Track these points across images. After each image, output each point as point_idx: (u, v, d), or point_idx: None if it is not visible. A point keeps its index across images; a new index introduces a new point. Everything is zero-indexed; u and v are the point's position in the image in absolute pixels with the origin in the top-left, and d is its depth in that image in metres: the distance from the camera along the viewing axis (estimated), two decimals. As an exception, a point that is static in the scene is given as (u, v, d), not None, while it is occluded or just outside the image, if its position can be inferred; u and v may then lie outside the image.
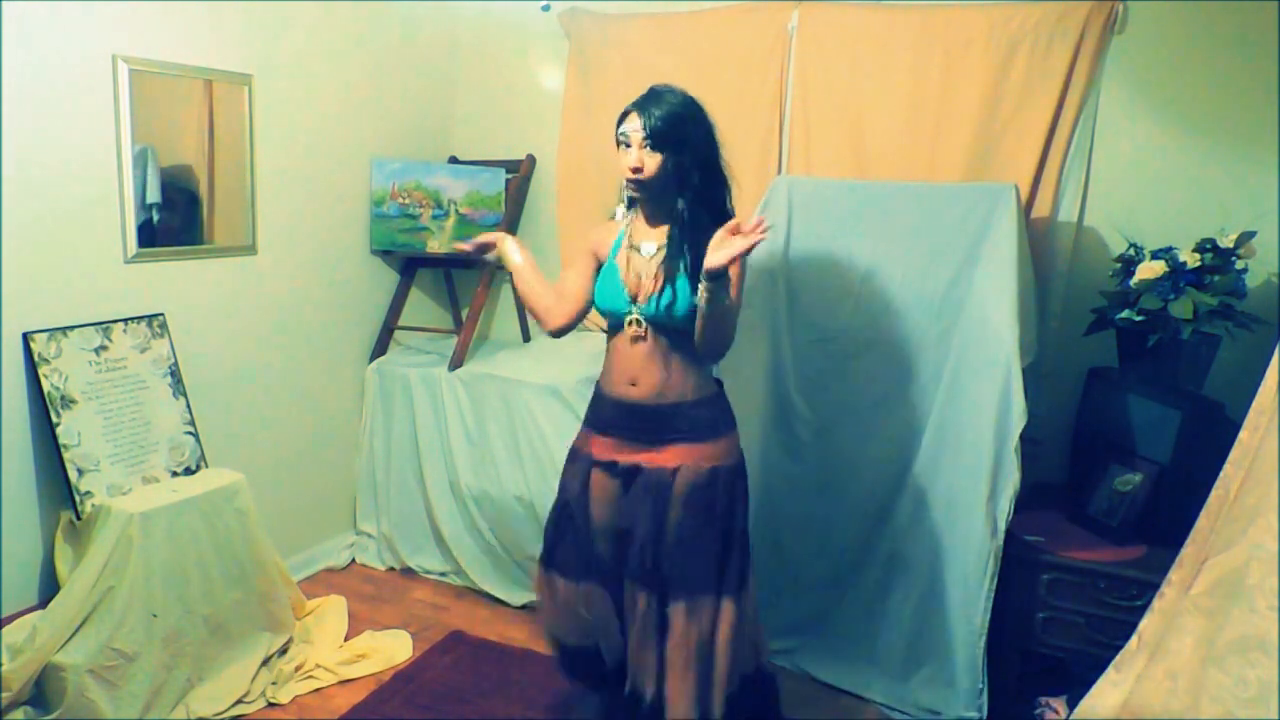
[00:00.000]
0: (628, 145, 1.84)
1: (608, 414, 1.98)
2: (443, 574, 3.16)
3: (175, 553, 2.24)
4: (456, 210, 3.24)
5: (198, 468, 2.51)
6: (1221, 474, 1.59)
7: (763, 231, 1.65)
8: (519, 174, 3.33)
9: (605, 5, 3.21)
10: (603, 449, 1.98)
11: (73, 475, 2.20)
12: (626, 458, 1.94)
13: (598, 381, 2.04)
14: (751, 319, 2.56)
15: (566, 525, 2.03)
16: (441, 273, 3.58)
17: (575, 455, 2.05)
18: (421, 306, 3.53)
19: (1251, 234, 2.29)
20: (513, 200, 3.28)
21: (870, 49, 2.80)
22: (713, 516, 1.88)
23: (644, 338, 1.89)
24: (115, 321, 2.37)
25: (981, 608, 2.23)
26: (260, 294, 2.83)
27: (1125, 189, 2.62)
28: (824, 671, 2.57)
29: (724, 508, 1.90)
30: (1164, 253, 2.36)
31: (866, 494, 2.57)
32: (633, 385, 1.92)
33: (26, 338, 2.17)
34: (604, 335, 2.03)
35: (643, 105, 1.84)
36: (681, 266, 1.84)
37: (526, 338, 3.46)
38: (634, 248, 1.93)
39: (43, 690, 2.07)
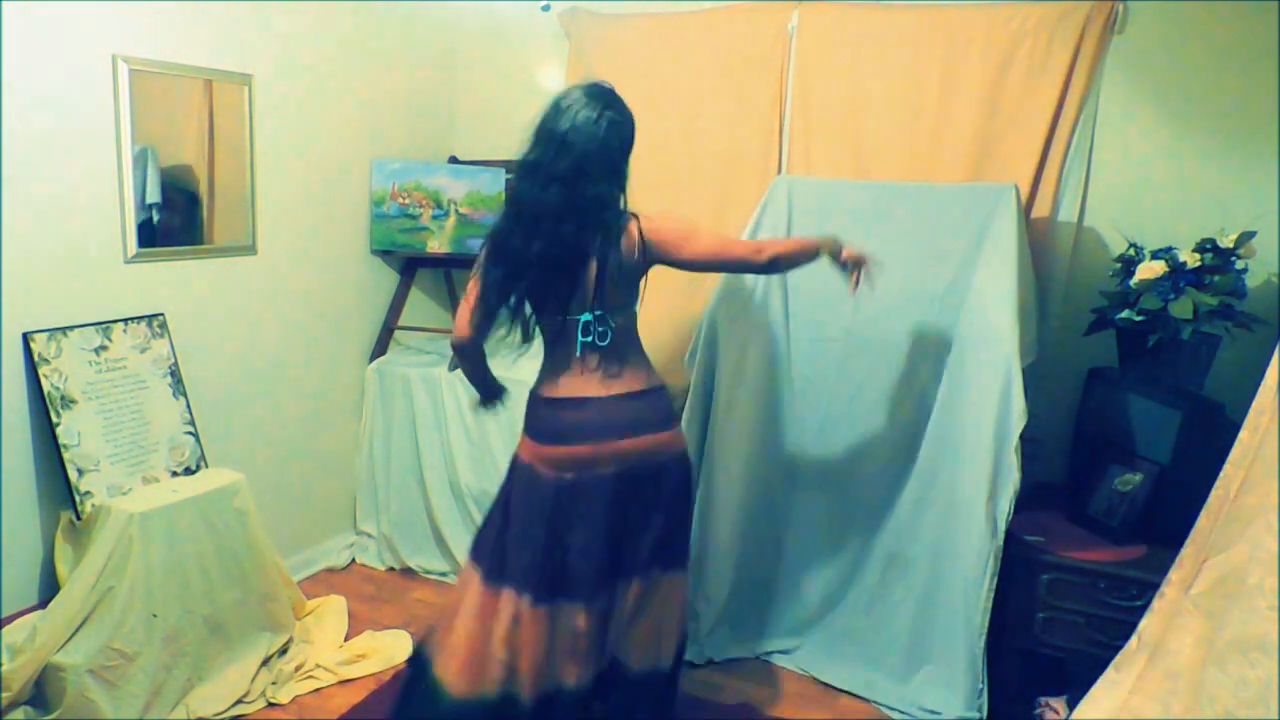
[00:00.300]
0: None
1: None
2: (443, 574, 3.16)
3: (175, 553, 2.24)
4: (456, 210, 3.24)
5: (198, 468, 2.50)
6: (1221, 474, 1.59)
7: None
8: (519, 174, 3.32)
9: (605, 5, 3.21)
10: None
11: (73, 475, 2.20)
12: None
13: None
14: (752, 319, 2.57)
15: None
16: (441, 273, 3.58)
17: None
18: (421, 306, 3.53)
19: (1251, 234, 2.29)
20: (513, 200, 3.27)
21: (870, 49, 2.80)
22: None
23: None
24: (115, 321, 2.37)
25: (981, 608, 2.23)
26: (260, 294, 2.83)
27: (1125, 189, 2.62)
28: (824, 671, 2.58)
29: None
30: (1164, 253, 2.36)
31: (866, 494, 2.57)
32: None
33: (26, 338, 2.17)
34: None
35: None
36: None
37: (526, 338, 3.45)
38: None
39: (43, 690, 2.07)
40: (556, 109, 1.82)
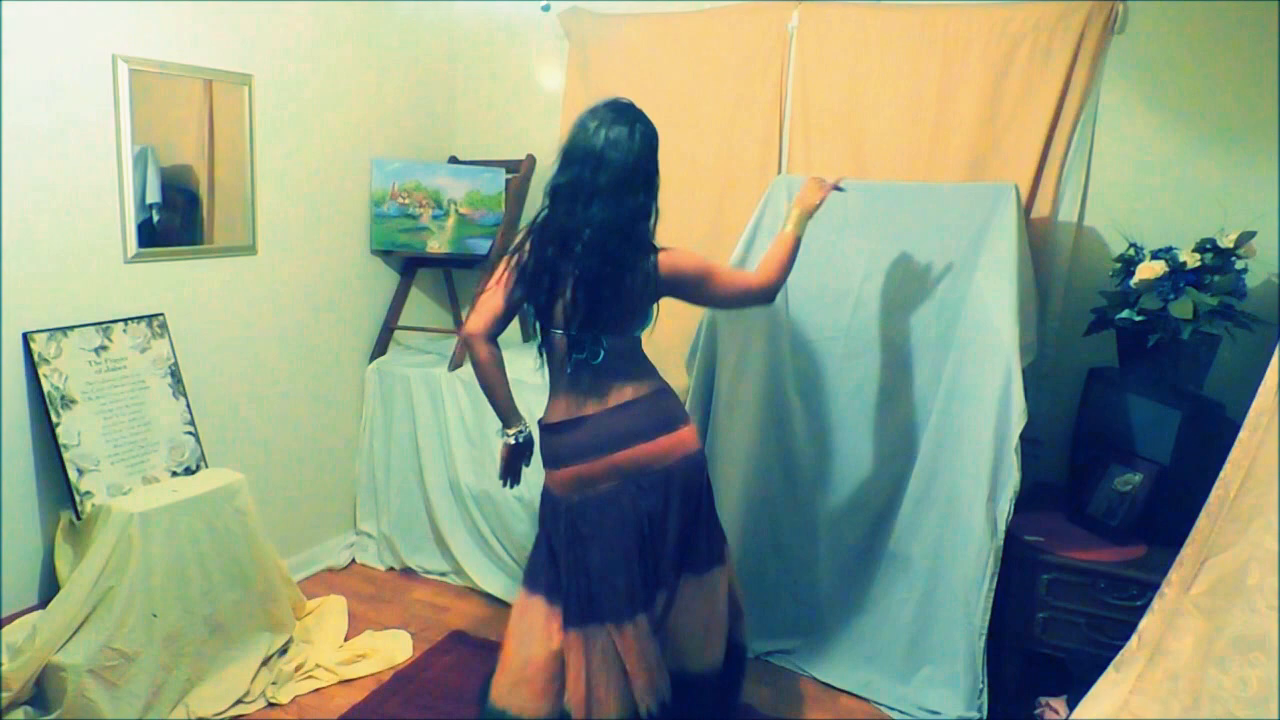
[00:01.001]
0: None
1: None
2: (443, 574, 3.16)
3: (175, 553, 2.24)
4: (456, 210, 3.24)
5: (198, 468, 2.51)
6: (1221, 474, 1.59)
7: None
8: (519, 174, 3.33)
9: (605, 5, 3.21)
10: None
11: (73, 475, 2.20)
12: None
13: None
14: (751, 319, 2.56)
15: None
16: (441, 273, 3.59)
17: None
18: (421, 306, 3.53)
19: (1251, 234, 2.29)
20: (513, 200, 3.28)
21: (870, 49, 2.80)
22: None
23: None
24: (115, 321, 2.37)
25: (981, 608, 2.23)
26: (260, 294, 2.83)
27: (1125, 189, 2.62)
28: (824, 671, 2.58)
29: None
30: (1164, 253, 2.36)
31: (866, 494, 2.57)
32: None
33: (26, 338, 2.17)
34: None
35: None
36: None
37: (526, 338, 3.46)
38: None
39: (43, 690, 2.07)
40: (586, 128, 1.81)
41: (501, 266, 1.91)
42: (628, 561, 1.86)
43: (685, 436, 1.93)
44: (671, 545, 1.90)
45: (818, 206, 2.11)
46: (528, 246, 1.87)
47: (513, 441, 1.98)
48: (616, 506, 1.86)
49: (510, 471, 2.02)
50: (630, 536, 1.86)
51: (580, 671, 1.84)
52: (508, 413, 1.97)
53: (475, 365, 1.92)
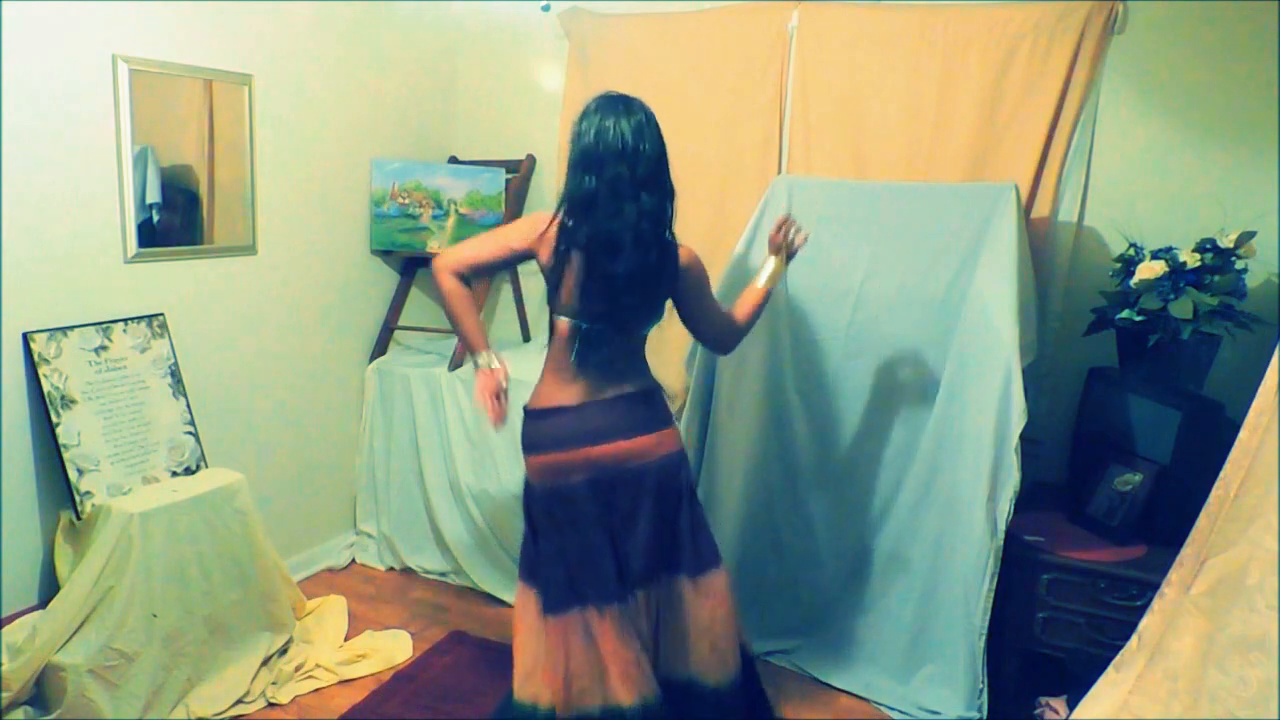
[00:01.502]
0: None
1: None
2: (443, 574, 3.16)
3: (175, 553, 2.24)
4: (456, 210, 3.24)
5: (198, 468, 2.51)
6: (1221, 474, 1.59)
7: None
8: (519, 174, 3.33)
9: (605, 5, 3.21)
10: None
11: (73, 475, 2.20)
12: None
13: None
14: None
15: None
16: (441, 273, 3.58)
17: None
18: (421, 306, 3.53)
19: (1251, 234, 2.29)
20: (513, 200, 3.28)
21: (870, 49, 2.80)
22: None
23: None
24: (115, 321, 2.37)
25: (981, 607, 2.23)
26: (260, 294, 2.83)
27: (1125, 189, 2.62)
28: (824, 671, 2.58)
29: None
30: (1164, 253, 2.36)
31: (866, 494, 2.57)
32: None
33: (26, 338, 2.17)
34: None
35: None
36: None
37: (526, 338, 3.46)
38: None
39: (43, 690, 2.07)
40: (606, 129, 1.78)
41: (513, 231, 1.93)
42: (599, 550, 1.87)
43: (665, 438, 1.94)
44: (643, 543, 1.90)
45: (793, 256, 2.18)
46: (569, 262, 1.84)
47: (489, 366, 1.94)
48: (589, 499, 1.88)
49: (495, 405, 1.94)
50: (601, 528, 1.88)
51: (560, 657, 1.85)
52: (474, 338, 1.94)
53: (441, 295, 1.92)
